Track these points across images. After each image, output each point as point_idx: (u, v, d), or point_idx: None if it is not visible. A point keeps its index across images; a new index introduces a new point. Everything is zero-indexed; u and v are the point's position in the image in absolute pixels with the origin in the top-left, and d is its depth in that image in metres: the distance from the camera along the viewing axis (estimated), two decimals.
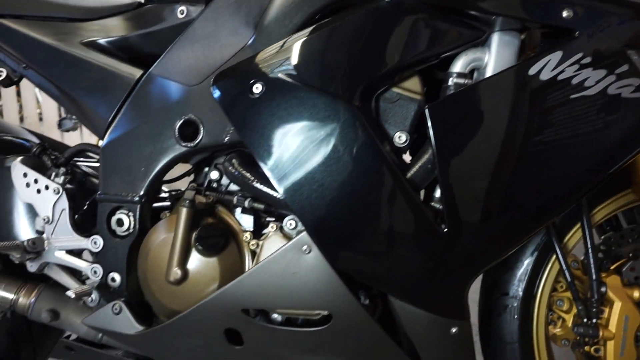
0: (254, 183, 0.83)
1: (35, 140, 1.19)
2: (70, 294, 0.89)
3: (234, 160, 0.86)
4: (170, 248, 0.85)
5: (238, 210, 0.90)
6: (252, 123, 0.77)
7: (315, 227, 0.77)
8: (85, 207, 1.00)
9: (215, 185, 0.94)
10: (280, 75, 0.77)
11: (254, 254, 0.88)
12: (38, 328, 1.18)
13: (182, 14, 0.93)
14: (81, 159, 1.17)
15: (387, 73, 0.76)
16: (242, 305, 0.82)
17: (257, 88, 0.77)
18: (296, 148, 0.76)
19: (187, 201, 0.84)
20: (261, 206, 0.86)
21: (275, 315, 0.86)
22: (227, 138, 0.85)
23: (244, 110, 0.78)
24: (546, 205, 0.76)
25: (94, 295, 0.97)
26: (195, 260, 0.86)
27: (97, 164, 1.19)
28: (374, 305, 0.87)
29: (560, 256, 0.89)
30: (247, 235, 0.87)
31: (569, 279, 0.89)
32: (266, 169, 0.77)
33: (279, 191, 0.77)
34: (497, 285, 0.97)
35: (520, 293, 0.94)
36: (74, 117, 1.47)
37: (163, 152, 0.89)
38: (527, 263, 0.94)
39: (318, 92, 0.75)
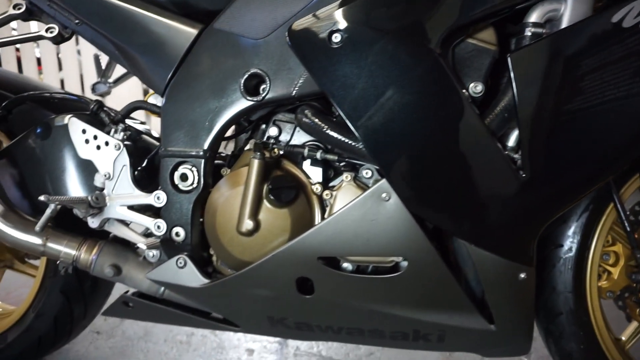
0: (331, 132, 0.83)
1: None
2: (142, 246, 0.90)
3: (307, 111, 0.86)
4: (241, 200, 0.86)
5: (305, 163, 0.91)
6: (332, 72, 0.78)
7: (396, 174, 0.78)
8: (145, 163, 1.01)
9: (273, 141, 0.95)
10: (359, 24, 0.77)
11: (323, 205, 0.89)
12: (89, 286, 1.19)
13: None
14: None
15: (465, 23, 0.76)
16: (319, 253, 0.83)
17: (336, 37, 0.77)
18: (377, 96, 0.76)
19: (259, 153, 0.85)
20: (334, 157, 0.87)
21: (345, 264, 0.88)
22: (294, 91, 0.85)
23: (323, 60, 0.78)
24: (620, 153, 0.78)
25: (155, 251, 0.98)
26: (267, 212, 0.87)
27: (141, 125, 1.19)
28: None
29: (619, 206, 0.92)
30: (318, 187, 0.89)
31: (628, 228, 0.92)
32: (347, 117, 0.78)
33: (360, 139, 0.78)
34: (551, 238, 1.00)
35: (576, 244, 0.97)
36: (109, 80, 1.46)
37: (228, 107, 0.89)
38: (582, 216, 0.96)
39: (398, 40, 0.76)
